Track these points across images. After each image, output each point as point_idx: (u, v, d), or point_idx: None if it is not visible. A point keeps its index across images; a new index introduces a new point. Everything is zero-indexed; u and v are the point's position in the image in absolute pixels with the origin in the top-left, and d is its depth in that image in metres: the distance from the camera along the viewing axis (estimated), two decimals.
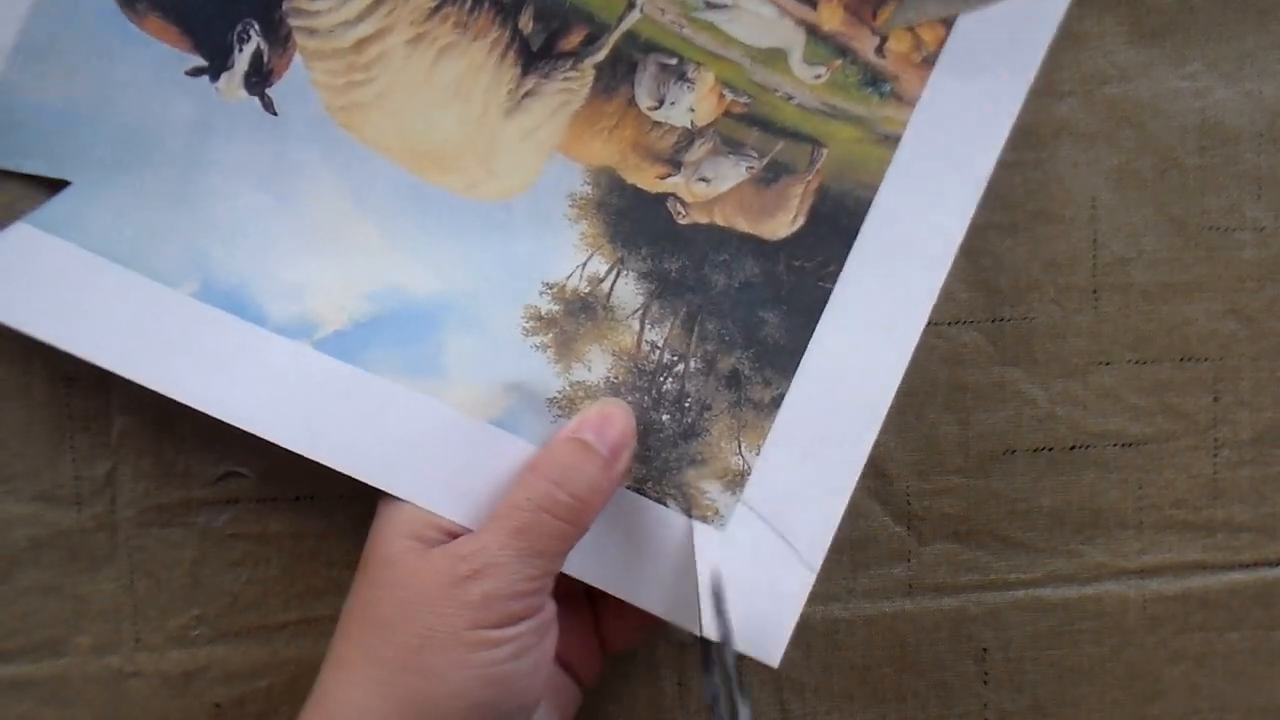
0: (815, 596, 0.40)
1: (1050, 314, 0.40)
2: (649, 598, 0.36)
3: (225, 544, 0.38)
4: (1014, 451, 0.40)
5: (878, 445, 0.40)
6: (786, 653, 0.40)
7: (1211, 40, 0.39)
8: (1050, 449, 0.40)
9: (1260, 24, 0.39)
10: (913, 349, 0.37)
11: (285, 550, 0.38)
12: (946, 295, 0.39)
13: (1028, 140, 0.39)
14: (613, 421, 0.35)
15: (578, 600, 0.37)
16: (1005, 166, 0.39)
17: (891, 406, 0.39)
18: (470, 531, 0.34)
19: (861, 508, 0.40)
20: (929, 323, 0.39)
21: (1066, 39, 0.39)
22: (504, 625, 0.32)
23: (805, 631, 0.40)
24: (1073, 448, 0.40)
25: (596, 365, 0.37)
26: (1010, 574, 0.40)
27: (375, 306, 0.37)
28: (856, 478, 0.37)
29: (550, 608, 0.34)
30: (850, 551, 0.40)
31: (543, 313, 0.37)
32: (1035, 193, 0.39)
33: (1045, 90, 0.39)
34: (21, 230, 0.36)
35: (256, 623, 0.38)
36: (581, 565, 0.36)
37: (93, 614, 0.38)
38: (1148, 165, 0.40)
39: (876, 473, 0.40)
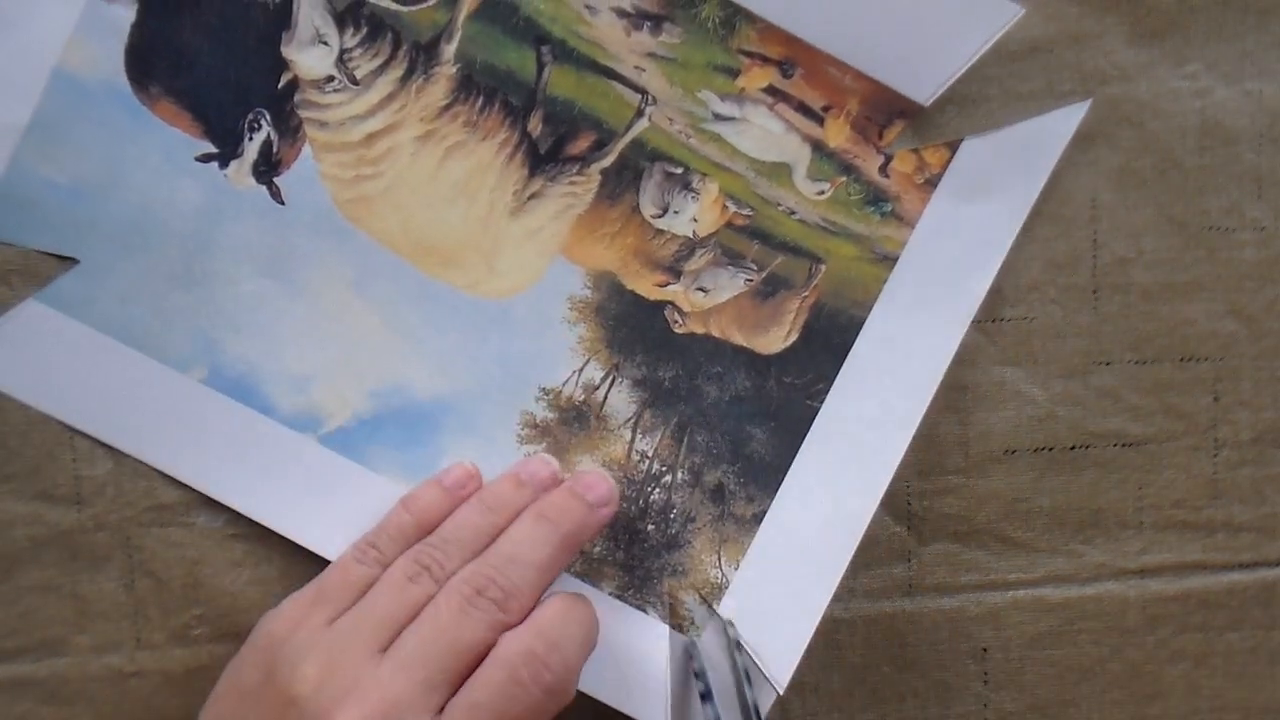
0: None
1: (1050, 314, 0.40)
2: (619, 697, 0.37)
3: (225, 544, 0.38)
4: (1014, 451, 0.40)
5: None
6: None
7: (1211, 40, 0.39)
8: (1050, 449, 0.40)
9: (1260, 24, 0.39)
10: (890, 476, 0.37)
11: (285, 550, 0.38)
12: None
13: None
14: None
15: None
16: None
17: None
18: None
19: None
20: None
21: (1066, 39, 0.39)
22: None
23: None
24: (1073, 448, 0.40)
25: None
26: (1010, 574, 0.40)
27: (378, 404, 0.37)
28: (829, 599, 0.37)
29: None
30: None
31: (538, 420, 0.38)
32: None
33: (1045, 90, 0.39)
34: (32, 307, 0.36)
35: (256, 622, 0.38)
36: None
37: (93, 613, 0.38)
38: (1148, 165, 0.40)
39: None
